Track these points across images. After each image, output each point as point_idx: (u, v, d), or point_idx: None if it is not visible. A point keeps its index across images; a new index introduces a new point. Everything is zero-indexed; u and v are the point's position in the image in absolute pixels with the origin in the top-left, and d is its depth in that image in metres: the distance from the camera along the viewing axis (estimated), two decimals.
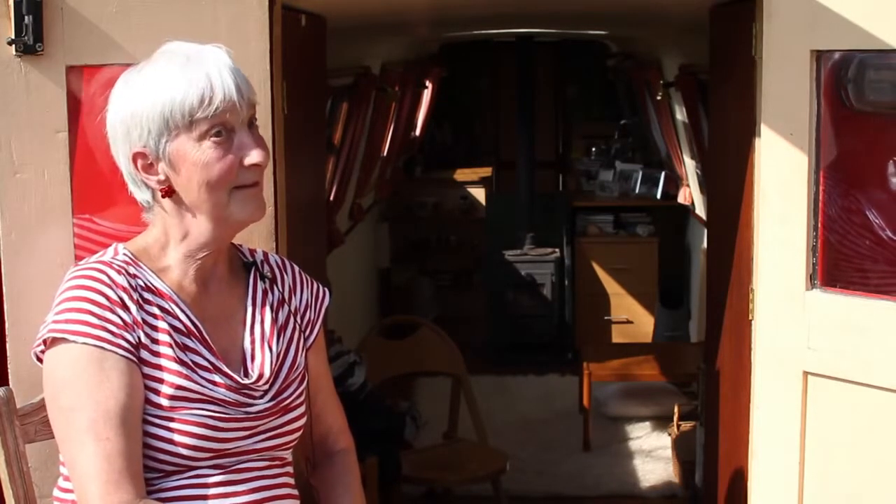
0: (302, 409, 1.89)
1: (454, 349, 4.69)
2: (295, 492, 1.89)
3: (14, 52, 2.18)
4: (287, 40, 2.51)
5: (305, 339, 1.94)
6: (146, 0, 2.22)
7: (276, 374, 1.86)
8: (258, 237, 2.25)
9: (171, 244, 1.81)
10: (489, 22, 5.60)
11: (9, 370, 2.21)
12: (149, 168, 1.77)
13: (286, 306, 1.93)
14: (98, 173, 2.16)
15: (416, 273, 7.93)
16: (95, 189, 2.21)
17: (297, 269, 2.01)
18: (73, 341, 1.69)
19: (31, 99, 2.19)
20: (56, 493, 1.85)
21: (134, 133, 1.75)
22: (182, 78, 1.71)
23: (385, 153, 6.36)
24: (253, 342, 1.85)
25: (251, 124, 1.78)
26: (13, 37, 2.16)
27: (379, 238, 7.80)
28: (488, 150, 8.54)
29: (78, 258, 2.17)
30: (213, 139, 1.72)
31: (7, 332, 2.22)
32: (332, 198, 4.89)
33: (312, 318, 1.97)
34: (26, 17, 2.15)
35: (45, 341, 1.73)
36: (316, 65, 3.19)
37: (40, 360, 1.76)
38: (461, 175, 8.19)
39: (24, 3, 2.15)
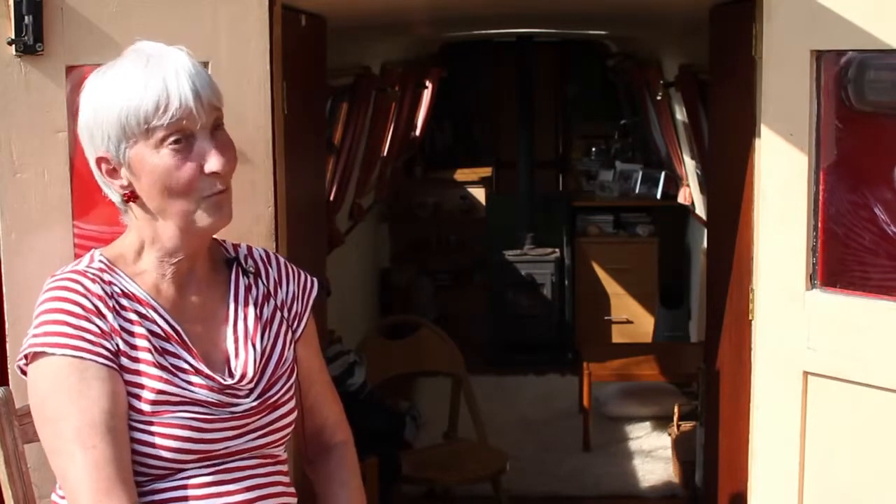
0: (291, 405, 1.87)
1: (454, 349, 4.69)
2: (290, 489, 1.87)
3: (14, 52, 2.17)
4: (287, 40, 2.51)
5: (293, 332, 1.92)
6: (146, 0, 2.22)
7: (261, 371, 1.84)
8: (258, 237, 2.25)
9: (146, 248, 1.80)
10: (489, 22, 5.60)
11: (8, 370, 2.21)
12: (112, 173, 1.76)
13: (272, 300, 1.91)
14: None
15: (416, 273, 7.93)
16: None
17: (282, 261, 1.98)
18: (53, 353, 1.69)
19: (31, 99, 2.19)
20: (54, 497, 1.84)
21: (97, 138, 1.73)
22: (138, 83, 1.69)
23: (385, 153, 6.36)
24: (236, 340, 1.84)
25: (217, 127, 1.75)
26: (13, 37, 2.16)
27: (379, 238, 7.80)
28: (488, 150, 8.54)
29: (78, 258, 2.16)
30: (171, 146, 1.70)
31: (7, 332, 2.22)
32: (332, 198, 4.89)
33: (300, 310, 1.95)
34: (26, 17, 2.15)
35: (26, 356, 1.73)
36: (316, 65, 3.20)
37: (25, 373, 1.75)
38: (461, 175, 8.19)
39: (24, 3, 2.14)
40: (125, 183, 1.75)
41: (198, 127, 1.71)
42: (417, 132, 7.78)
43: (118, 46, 2.16)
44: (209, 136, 1.72)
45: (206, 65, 2.26)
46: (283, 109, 2.48)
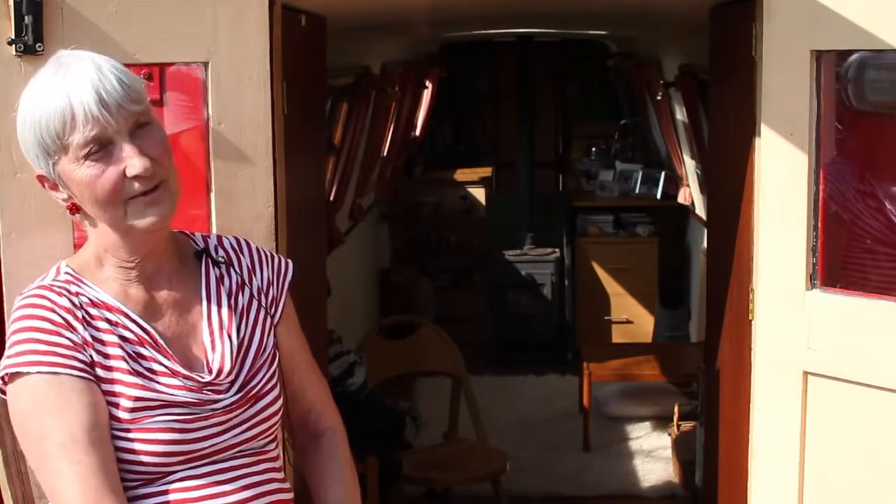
0: (275, 394, 1.85)
1: (454, 349, 4.69)
2: (285, 485, 1.86)
3: (14, 52, 2.18)
4: (287, 40, 2.51)
5: (272, 318, 1.90)
6: (146, 0, 2.22)
7: (241, 363, 1.82)
8: (258, 237, 2.25)
9: (103, 256, 1.79)
10: (489, 22, 5.60)
11: None
12: (54, 187, 1.75)
13: (247, 288, 1.89)
14: None
15: (416, 273, 7.93)
16: None
17: (254, 246, 1.96)
18: (28, 373, 1.68)
19: None
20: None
21: (30, 156, 1.74)
22: (46, 100, 1.68)
23: (385, 153, 6.37)
24: (212, 333, 1.82)
25: (141, 126, 1.71)
26: (13, 37, 2.16)
27: (379, 238, 7.80)
28: (488, 150, 8.54)
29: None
30: (90, 158, 1.68)
31: (7, 333, 2.22)
32: (332, 198, 4.89)
33: (276, 295, 1.92)
34: (26, 17, 2.15)
35: (3, 379, 1.72)
36: (316, 65, 3.19)
37: (5, 393, 1.74)
38: (461, 175, 8.19)
39: (24, 3, 2.15)
40: (65, 196, 1.75)
41: (114, 132, 1.68)
42: (417, 132, 7.78)
43: (118, 46, 2.17)
44: (128, 140, 1.69)
45: (205, 65, 2.27)
46: (283, 109, 2.48)
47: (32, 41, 2.16)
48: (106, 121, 1.67)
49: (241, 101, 2.28)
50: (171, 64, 2.30)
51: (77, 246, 2.21)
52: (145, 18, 2.21)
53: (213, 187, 2.31)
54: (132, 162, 1.69)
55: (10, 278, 2.22)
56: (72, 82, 1.67)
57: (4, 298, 2.23)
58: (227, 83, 2.28)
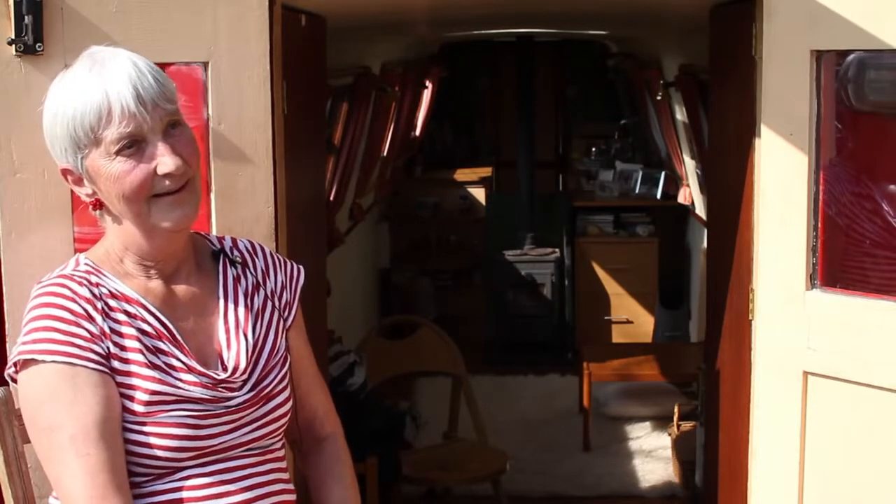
0: (286, 395, 1.87)
1: (454, 349, 4.69)
2: (289, 486, 1.87)
3: (14, 52, 2.18)
4: (287, 40, 2.51)
5: (284, 321, 1.92)
6: (146, 0, 2.22)
7: (254, 362, 1.83)
8: (258, 237, 2.25)
9: (124, 253, 1.79)
10: (489, 22, 5.60)
11: None
12: (78, 182, 1.76)
13: (262, 290, 1.90)
14: None
15: (416, 273, 7.93)
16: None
17: (268, 251, 1.97)
18: (43, 360, 1.67)
19: (31, 99, 2.18)
20: (51, 500, 1.84)
21: (56, 149, 1.74)
22: (81, 93, 1.68)
23: (385, 153, 6.37)
24: (227, 332, 1.83)
25: (174, 125, 1.73)
26: (13, 37, 2.16)
27: (379, 238, 7.80)
28: (488, 150, 8.54)
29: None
30: (122, 154, 1.69)
31: (7, 333, 2.22)
32: (332, 198, 4.89)
33: (289, 299, 1.94)
34: (26, 17, 2.15)
35: (15, 364, 1.71)
36: (316, 65, 3.20)
37: (15, 381, 1.74)
38: (461, 175, 8.19)
39: (24, 3, 2.15)
40: (90, 191, 1.76)
41: (148, 130, 1.69)
42: (417, 132, 7.78)
43: (118, 46, 2.17)
44: (161, 138, 1.70)
45: (205, 65, 2.27)
46: (283, 109, 2.48)
47: (32, 41, 2.16)
48: (142, 117, 1.68)
49: (241, 101, 2.28)
50: (171, 64, 2.29)
51: (77, 242, 2.22)
52: (145, 18, 2.21)
53: (213, 187, 2.31)
54: (164, 160, 1.70)
55: (10, 278, 2.22)
56: (109, 77, 1.68)
57: (5, 298, 2.23)
58: (227, 83, 2.28)
